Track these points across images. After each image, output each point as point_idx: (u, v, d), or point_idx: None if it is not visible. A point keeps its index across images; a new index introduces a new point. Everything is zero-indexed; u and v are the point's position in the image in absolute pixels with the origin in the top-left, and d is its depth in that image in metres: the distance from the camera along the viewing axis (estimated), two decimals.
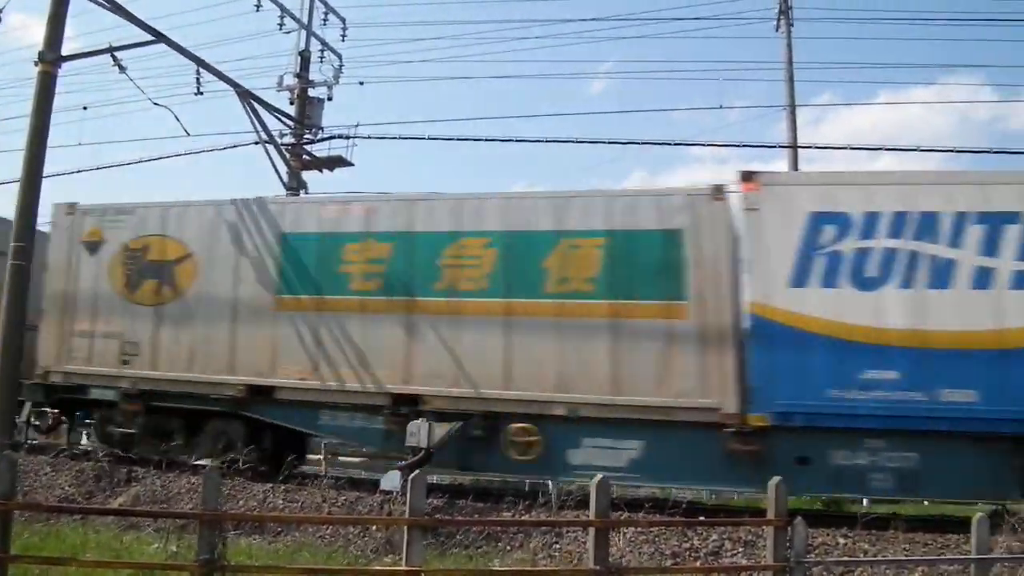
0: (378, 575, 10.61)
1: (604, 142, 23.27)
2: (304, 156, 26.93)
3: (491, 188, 17.98)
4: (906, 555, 12.24)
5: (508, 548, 12.83)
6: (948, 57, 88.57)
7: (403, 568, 9.20)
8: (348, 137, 25.84)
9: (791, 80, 24.97)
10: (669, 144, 19.39)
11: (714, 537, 12.97)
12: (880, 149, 32.70)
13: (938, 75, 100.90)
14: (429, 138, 24.87)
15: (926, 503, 19.78)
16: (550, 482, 17.66)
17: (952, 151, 45.43)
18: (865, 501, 19.28)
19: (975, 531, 9.66)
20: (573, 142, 16.87)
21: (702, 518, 13.35)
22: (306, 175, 27.04)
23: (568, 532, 13.00)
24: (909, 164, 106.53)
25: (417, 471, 10.11)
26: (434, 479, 16.78)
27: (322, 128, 27.13)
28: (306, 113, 27.19)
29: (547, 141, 15.21)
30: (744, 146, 22.11)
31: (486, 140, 22.05)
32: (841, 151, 26.03)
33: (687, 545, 12.87)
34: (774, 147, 28.04)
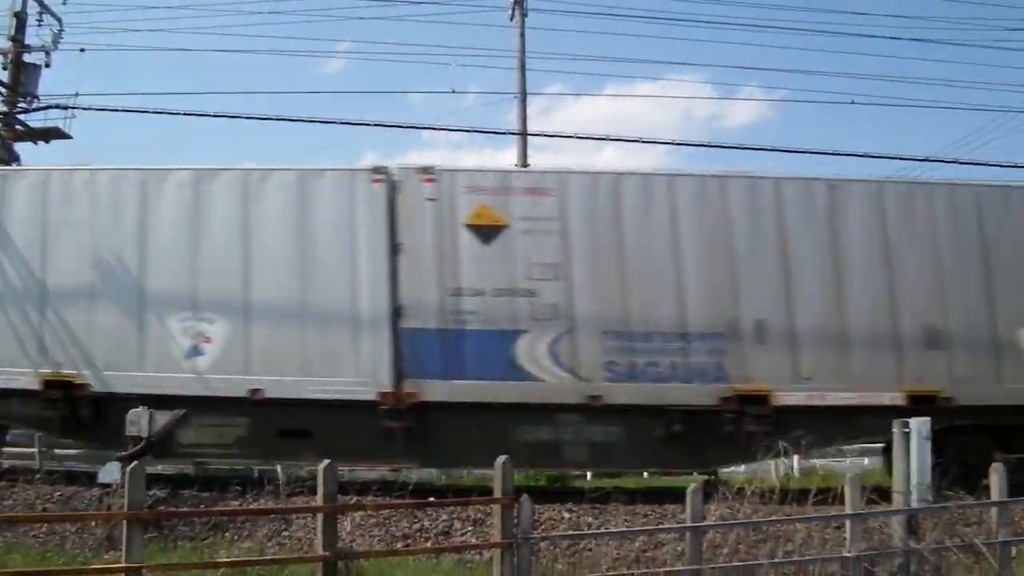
0: (96, 574, 10.07)
1: (336, 122, 22.89)
2: (17, 126, 24.99)
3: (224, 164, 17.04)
4: (628, 526, 12.77)
5: (236, 538, 12.46)
6: (674, 54, 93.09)
7: (123, 565, 8.78)
8: (67, 107, 24.14)
9: (523, 68, 25.46)
10: (400, 127, 19.36)
11: (444, 517, 13.10)
12: (605, 139, 33.98)
13: (664, 71, 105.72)
14: (154, 112, 23.52)
15: (645, 475, 20.60)
16: (279, 468, 17.32)
17: (672, 143, 47.87)
18: (589, 476, 19.99)
19: (689, 501, 10.15)
20: (303, 121, 16.54)
21: (431, 499, 13.42)
22: (20, 147, 25.08)
23: (297, 519, 12.78)
24: (633, 155, 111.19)
25: (135, 462, 9.63)
26: (158, 468, 16.04)
27: (37, 97, 25.20)
28: (20, 80, 25.21)
29: (278, 119, 14.84)
30: (475, 131, 22.44)
31: (214, 116, 21.15)
32: (569, 140, 26.76)
33: (417, 526, 12.94)
34: (504, 133, 28.53)
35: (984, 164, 28.46)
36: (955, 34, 59.32)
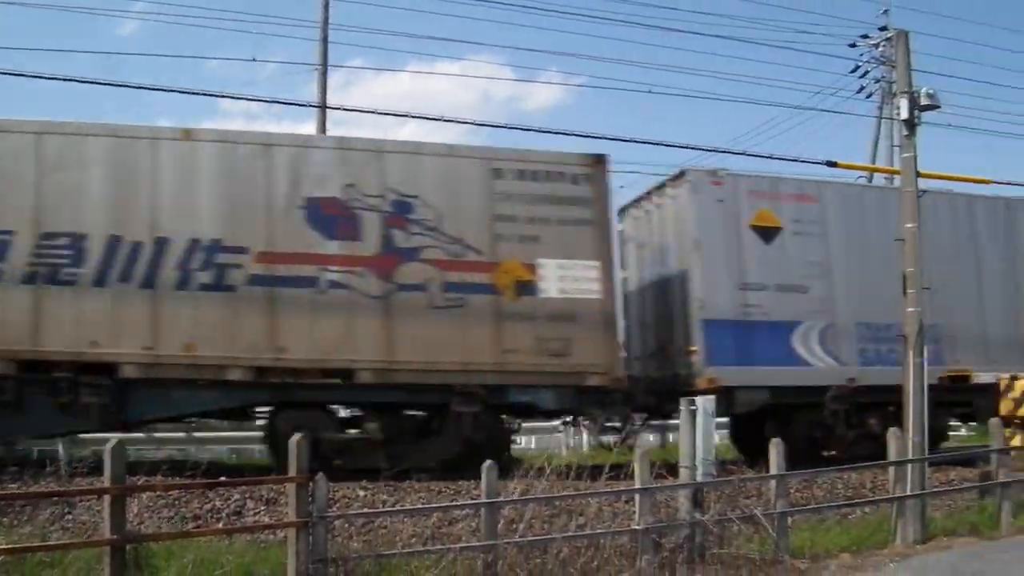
0: None
1: (129, 86, 21.86)
2: None
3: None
4: (423, 503, 12.81)
5: (15, 523, 11.80)
6: (477, 35, 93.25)
7: None
8: None
9: (325, 41, 24.95)
10: (195, 93, 18.67)
11: (236, 497, 12.80)
12: (407, 116, 33.83)
13: (466, 51, 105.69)
14: None
15: None
16: (60, 447, 16.58)
17: (473, 124, 48.05)
18: None
19: (485, 477, 10.28)
20: (89, 83, 15.73)
21: (223, 478, 13.09)
22: None
23: (81, 501, 12.23)
24: (434, 133, 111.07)
25: None
26: None
27: None
28: None
29: (64, 79, 13.99)
30: (274, 102, 21.88)
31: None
32: (370, 115, 26.50)
33: (209, 506, 12.59)
34: (304, 105, 27.98)
35: (771, 157, 29.49)
36: (748, 32, 61.62)
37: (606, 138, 17.60)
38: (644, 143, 21.23)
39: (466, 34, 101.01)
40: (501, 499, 10.61)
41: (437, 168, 16.05)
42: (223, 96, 29.62)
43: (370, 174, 15.70)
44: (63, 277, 14.35)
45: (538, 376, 15.91)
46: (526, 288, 15.83)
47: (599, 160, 16.49)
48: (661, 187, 19.12)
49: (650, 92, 30.20)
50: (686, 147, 18.17)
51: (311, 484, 9.63)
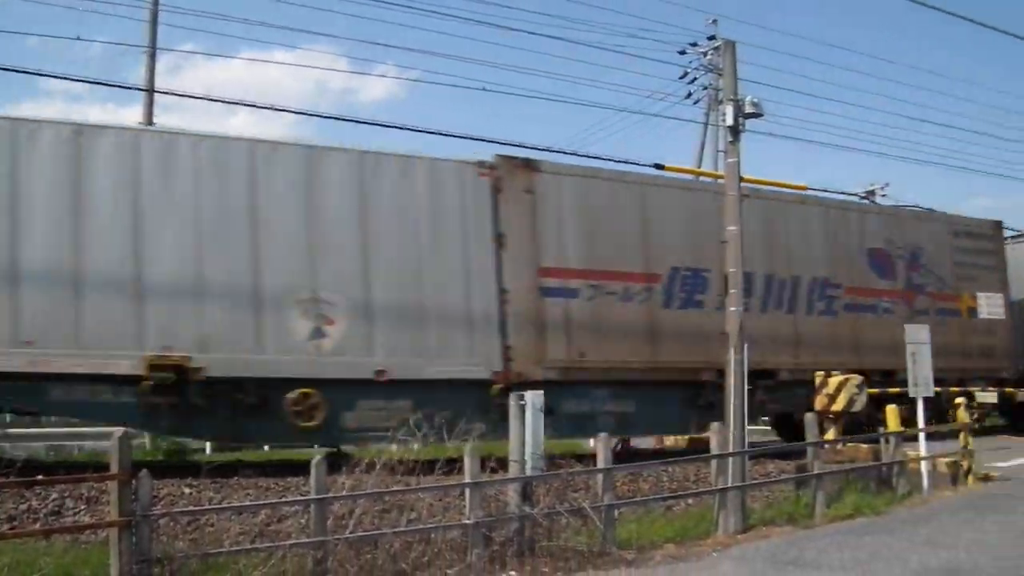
0: None
1: None
2: None
3: None
4: (251, 500, 12.61)
5: None
6: (311, 24, 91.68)
7: None
8: None
9: (154, 21, 24.06)
10: (13, 71, 17.84)
11: (55, 496, 12.35)
12: (237, 103, 33.14)
13: (301, 40, 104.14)
14: None
15: (267, 448, 20.24)
16: None
17: (304, 113, 47.53)
18: (208, 448, 19.53)
19: (314, 473, 10.18)
20: None
21: (40, 476, 12.58)
22: None
23: None
24: (266, 123, 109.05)
25: None
26: None
27: None
28: None
29: None
30: (98, 83, 21.03)
31: None
32: (200, 101, 25.85)
33: (25, 506, 12.12)
34: (131, 88, 27.09)
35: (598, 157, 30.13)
36: (582, 35, 62.62)
37: (437, 133, 17.76)
38: (479, 140, 21.31)
39: (302, 23, 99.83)
40: (331, 495, 10.52)
41: (929, 229, 23.85)
42: (43, 75, 28.40)
43: (897, 232, 23.07)
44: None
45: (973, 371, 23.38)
46: (972, 312, 23.93)
47: (999, 224, 25.44)
48: None
49: (484, 90, 30.43)
50: (515, 145, 18.31)
51: (134, 482, 9.36)
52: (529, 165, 17.94)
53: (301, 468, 12.51)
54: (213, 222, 15.29)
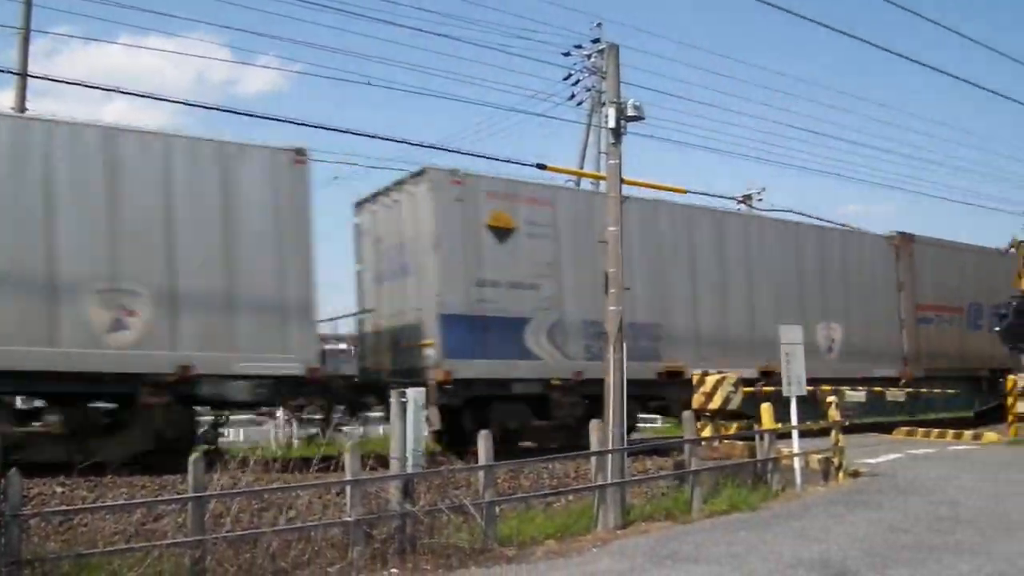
0: None
1: None
2: None
3: None
4: (126, 499, 12.36)
5: None
6: (193, 12, 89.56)
7: None
8: None
9: (28, 3, 23.16)
10: None
11: None
12: (115, 91, 32.13)
13: (182, 28, 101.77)
14: None
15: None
16: None
17: (185, 103, 46.47)
18: None
19: (191, 470, 10.02)
20: None
21: None
22: None
23: None
24: (144, 111, 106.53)
25: None
26: None
27: None
28: None
29: None
30: None
31: None
32: (76, 87, 25.06)
33: None
34: (2, 72, 26.08)
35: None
36: (466, 32, 62.63)
37: (314, 126, 17.62)
38: (361, 135, 21.08)
39: (181, 9, 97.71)
40: (209, 493, 10.38)
41: None
42: None
43: None
44: None
45: None
46: None
47: None
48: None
49: (369, 84, 30.38)
50: (400, 141, 18.39)
51: (2, 481, 9.10)
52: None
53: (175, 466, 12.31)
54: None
